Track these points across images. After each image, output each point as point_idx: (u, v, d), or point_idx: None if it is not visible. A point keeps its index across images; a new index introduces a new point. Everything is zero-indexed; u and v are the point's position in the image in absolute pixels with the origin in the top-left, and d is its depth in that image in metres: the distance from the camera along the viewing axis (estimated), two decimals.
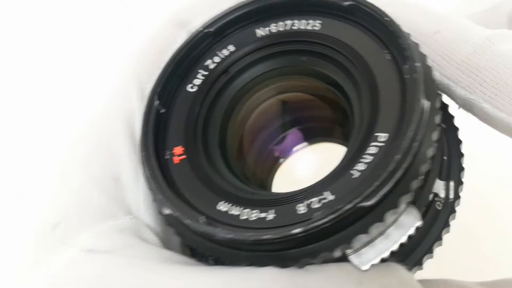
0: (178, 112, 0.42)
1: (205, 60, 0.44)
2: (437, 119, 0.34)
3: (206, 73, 0.44)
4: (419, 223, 0.35)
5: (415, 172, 0.32)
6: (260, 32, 0.44)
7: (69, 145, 0.44)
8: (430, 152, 0.33)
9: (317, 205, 0.33)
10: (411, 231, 0.35)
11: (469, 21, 0.40)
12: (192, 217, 0.35)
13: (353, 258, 0.34)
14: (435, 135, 0.34)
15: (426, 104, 0.33)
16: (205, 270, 0.35)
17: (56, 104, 0.79)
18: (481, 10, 0.50)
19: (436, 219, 0.39)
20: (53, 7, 0.82)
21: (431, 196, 0.39)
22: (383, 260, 0.35)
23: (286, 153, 0.48)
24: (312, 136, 0.49)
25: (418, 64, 0.34)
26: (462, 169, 0.41)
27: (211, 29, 0.44)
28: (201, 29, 0.44)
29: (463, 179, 0.41)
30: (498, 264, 0.48)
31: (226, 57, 0.44)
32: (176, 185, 0.38)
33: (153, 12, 0.47)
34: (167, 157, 0.40)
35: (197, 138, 0.41)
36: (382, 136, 0.34)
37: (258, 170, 0.46)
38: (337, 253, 0.33)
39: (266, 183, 0.48)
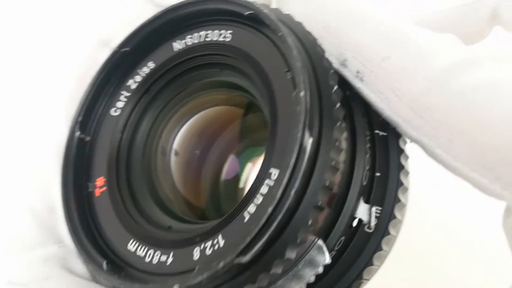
0: (102, 139, 0.42)
1: (127, 80, 0.42)
2: (333, 153, 0.30)
3: (128, 94, 0.42)
4: (326, 259, 0.33)
5: (303, 220, 0.29)
6: (177, 45, 0.41)
7: (3, 174, 0.45)
8: (322, 196, 0.30)
9: (209, 251, 0.32)
10: (320, 269, 0.33)
11: (434, 38, 0.33)
12: (95, 262, 0.35)
13: None
14: (328, 174, 0.30)
15: (307, 140, 0.29)
16: None
17: None
18: (464, 3, 0.42)
19: (367, 243, 0.36)
20: None
21: (355, 222, 0.35)
22: None
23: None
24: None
25: (302, 94, 0.30)
26: (400, 184, 0.37)
27: (128, 48, 0.41)
28: (117, 49, 0.42)
29: (403, 195, 0.37)
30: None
31: (147, 75, 0.42)
32: (97, 220, 0.38)
33: (70, 31, 0.45)
34: (91, 189, 0.40)
35: (119, 167, 0.40)
36: (274, 173, 0.31)
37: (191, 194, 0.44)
38: None
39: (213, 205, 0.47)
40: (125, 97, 0.42)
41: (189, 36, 0.40)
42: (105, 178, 0.40)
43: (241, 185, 0.46)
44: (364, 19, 0.35)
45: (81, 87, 0.43)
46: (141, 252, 0.35)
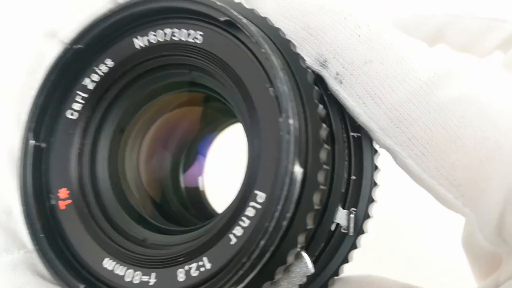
0: (59, 146, 0.38)
1: (82, 79, 0.38)
2: (320, 177, 0.30)
3: (85, 95, 0.38)
4: (310, 271, 0.33)
5: (292, 243, 0.30)
6: (139, 42, 0.37)
7: None
8: (311, 219, 0.30)
9: (195, 273, 0.31)
10: (303, 280, 0.34)
11: (419, 45, 0.33)
12: (70, 285, 0.33)
13: None
14: (317, 198, 0.30)
15: (297, 172, 0.28)
16: None
17: None
18: (420, 13, 0.41)
19: (342, 242, 0.37)
20: None
21: (333, 226, 0.36)
22: None
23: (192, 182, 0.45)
24: None
25: (291, 122, 0.29)
26: (374, 185, 0.38)
27: (81, 45, 0.37)
28: (69, 45, 0.37)
29: (375, 194, 0.38)
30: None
31: (105, 74, 0.38)
32: (66, 237, 0.36)
33: (12, 22, 0.39)
34: (53, 202, 0.37)
35: (83, 176, 0.38)
36: (260, 196, 0.30)
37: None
38: None
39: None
40: (82, 98, 0.38)
41: (153, 33, 0.36)
42: (68, 189, 0.37)
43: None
44: (346, 20, 0.33)
45: (29, 83, 0.38)
46: (119, 271, 0.34)
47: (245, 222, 0.31)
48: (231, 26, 0.33)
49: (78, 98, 0.38)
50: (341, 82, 0.33)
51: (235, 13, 0.32)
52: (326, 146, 0.31)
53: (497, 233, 0.30)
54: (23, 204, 0.36)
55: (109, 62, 0.38)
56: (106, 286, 0.34)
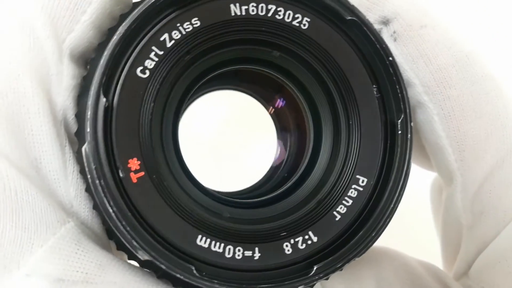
0: (127, 108, 0.32)
1: (161, 34, 0.33)
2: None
3: (161, 52, 0.33)
4: None
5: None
6: (235, 9, 0.35)
7: None
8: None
9: (302, 246, 0.35)
10: None
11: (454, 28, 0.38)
12: (183, 268, 0.31)
13: None
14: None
15: (410, 167, 0.36)
16: None
17: None
18: None
19: None
20: None
21: None
22: None
23: None
24: None
25: (412, 125, 0.35)
26: None
27: None
28: None
29: None
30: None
31: (188, 33, 0.34)
32: (140, 213, 0.32)
33: None
34: (122, 174, 0.32)
35: (154, 144, 0.33)
36: (362, 180, 0.36)
37: None
38: None
39: None
40: (156, 55, 0.33)
41: (253, 4, 0.35)
42: (140, 160, 0.33)
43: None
44: None
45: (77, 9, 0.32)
46: (217, 248, 0.33)
47: (348, 202, 0.36)
48: (351, 27, 0.35)
49: (152, 55, 0.33)
50: (395, 40, 0.37)
51: (361, 14, 0.35)
52: None
53: (473, 200, 0.39)
54: (99, 177, 0.30)
55: (196, 22, 0.34)
56: (207, 265, 0.33)
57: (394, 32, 0.37)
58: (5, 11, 0.32)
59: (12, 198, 0.31)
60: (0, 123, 0.31)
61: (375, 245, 0.44)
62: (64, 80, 0.33)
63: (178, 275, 0.31)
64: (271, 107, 0.48)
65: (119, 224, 0.31)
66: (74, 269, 0.31)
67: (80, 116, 0.33)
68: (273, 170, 0.46)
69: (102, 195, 0.30)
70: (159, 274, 0.32)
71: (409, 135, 0.36)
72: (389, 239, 0.44)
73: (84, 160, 0.31)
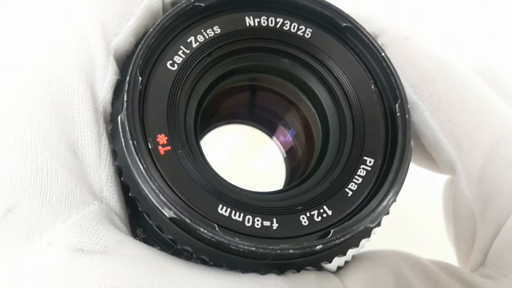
0: (157, 92, 0.38)
1: (188, 36, 0.40)
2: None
3: (187, 51, 0.39)
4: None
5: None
6: (250, 21, 0.42)
7: (14, 101, 0.34)
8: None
9: (318, 219, 0.37)
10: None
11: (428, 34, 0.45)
12: (207, 224, 0.33)
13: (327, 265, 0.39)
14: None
15: (411, 144, 0.39)
16: (214, 274, 0.34)
17: None
18: None
19: None
20: None
21: None
22: (338, 268, 0.41)
23: None
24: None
25: (409, 106, 0.40)
26: None
27: (202, 4, 0.39)
28: (192, 1, 0.39)
29: None
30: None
31: (210, 38, 0.40)
32: (166, 181, 0.35)
33: None
34: (151, 146, 0.36)
35: (179, 125, 0.38)
36: (369, 161, 0.39)
37: None
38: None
39: None
40: (183, 53, 0.39)
41: (265, 17, 0.42)
42: (167, 136, 0.37)
43: None
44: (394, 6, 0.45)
45: (126, 14, 0.38)
46: (237, 217, 0.35)
47: (358, 180, 0.39)
48: (347, 33, 0.42)
49: (180, 52, 0.39)
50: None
51: (354, 21, 0.41)
52: None
53: (479, 185, 0.41)
54: (132, 139, 0.34)
55: (217, 29, 0.41)
56: (230, 230, 0.35)
57: (382, 44, 0.43)
58: (60, 13, 0.39)
59: (42, 178, 0.33)
60: (44, 109, 0.35)
61: (386, 248, 0.45)
62: (108, 75, 0.38)
63: (201, 230, 0.33)
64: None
65: (148, 179, 0.33)
66: (94, 242, 0.33)
67: (116, 101, 0.38)
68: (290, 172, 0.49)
69: (134, 153, 0.34)
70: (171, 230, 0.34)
71: (406, 115, 0.40)
72: (395, 242, 0.46)
73: (120, 127, 0.35)
